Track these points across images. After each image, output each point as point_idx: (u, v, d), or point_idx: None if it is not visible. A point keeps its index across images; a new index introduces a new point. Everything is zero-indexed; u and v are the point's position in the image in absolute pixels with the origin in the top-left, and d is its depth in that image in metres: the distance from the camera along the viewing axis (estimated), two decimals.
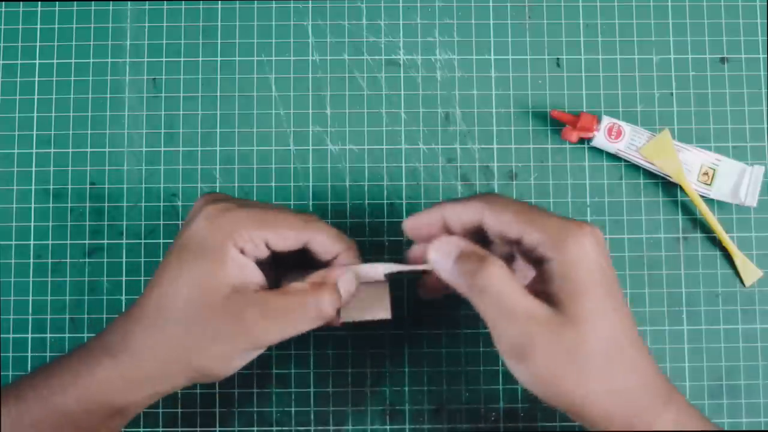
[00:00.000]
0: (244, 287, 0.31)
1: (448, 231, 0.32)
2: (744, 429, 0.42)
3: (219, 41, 0.44)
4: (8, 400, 0.31)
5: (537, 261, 0.30)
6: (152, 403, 0.33)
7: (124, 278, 0.43)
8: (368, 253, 0.43)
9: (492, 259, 0.29)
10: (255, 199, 0.43)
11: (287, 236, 0.32)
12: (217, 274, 0.30)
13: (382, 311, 0.34)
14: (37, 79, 0.44)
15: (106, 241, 0.43)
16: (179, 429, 0.42)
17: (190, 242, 0.31)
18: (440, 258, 0.31)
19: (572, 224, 0.29)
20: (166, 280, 0.31)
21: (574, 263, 0.28)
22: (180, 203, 0.43)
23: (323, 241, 0.33)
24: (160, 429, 0.42)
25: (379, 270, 0.33)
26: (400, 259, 0.35)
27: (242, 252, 0.31)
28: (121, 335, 0.31)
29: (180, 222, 0.43)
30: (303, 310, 0.31)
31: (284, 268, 0.35)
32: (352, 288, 0.33)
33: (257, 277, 0.32)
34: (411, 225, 0.33)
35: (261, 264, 0.33)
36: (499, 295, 0.29)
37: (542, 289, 0.29)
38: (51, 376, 0.32)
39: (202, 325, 0.30)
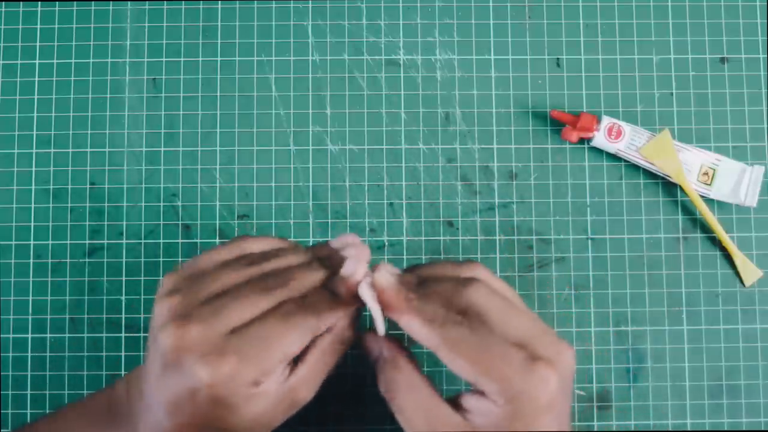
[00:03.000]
0: (285, 382, 0.30)
1: None
2: (744, 429, 0.42)
3: (219, 41, 0.44)
4: None
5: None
6: None
7: (124, 278, 0.43)
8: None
9: (404, 383, 0.30)
10: (255, 199, 0.43)
11: (295, 346, 0.29)
12: (267, 402, 0.29)
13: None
14: (37, 79, 0.44)
15: (106, 241, 0.43)
16: None
17: (198, 394, 0.28)
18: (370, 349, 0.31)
19: (537, 372, 0.27)
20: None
21: (530, 419, 0.27)
22: (180, 203, 0.43)
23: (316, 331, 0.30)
24: None
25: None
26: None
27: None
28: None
29: (179, 222, 0.43)
30: (325, 368, 0.31)
31: None
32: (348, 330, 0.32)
33: (277, 379, 0.29)
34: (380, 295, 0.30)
35: None
36: (411, 422, 0.29)
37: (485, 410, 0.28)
38: None
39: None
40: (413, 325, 0.29)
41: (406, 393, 0.29)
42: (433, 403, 0.29)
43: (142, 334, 0.42)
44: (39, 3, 0.45)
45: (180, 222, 0.43)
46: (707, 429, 0.42)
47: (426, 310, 0.29)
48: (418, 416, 0.29)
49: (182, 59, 0.44)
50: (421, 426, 0.29)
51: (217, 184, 0.43)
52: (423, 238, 0.43)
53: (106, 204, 0.43)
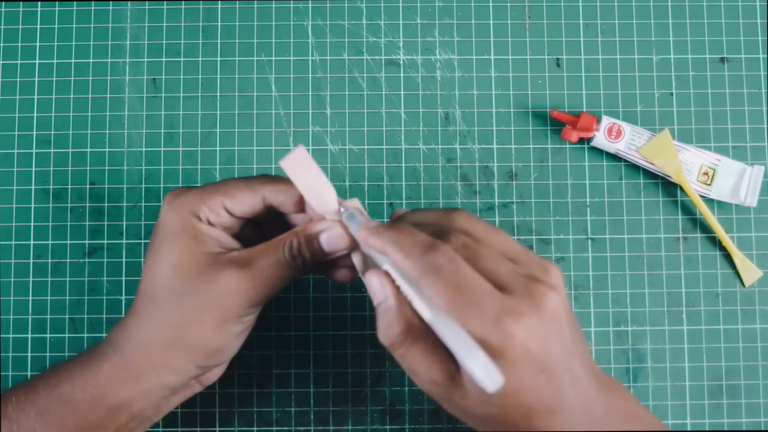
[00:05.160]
0: (221, 253, 0.31)
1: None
2: (744, 429, 0.42)
3: (219, 41, 0.44)
4: (19, 389, 0.32)
5: None
6: (164, 404, 0.33)
7: (124, 278, 0.43)
8: None
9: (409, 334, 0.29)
10: None
11: (242, 197, 0.32)
12: (191, 248, 0.31)
13: None
14: (37, 79, 0.44)
15: (106, 241, 0.43)
16: (179, 429, 0.42)
17: (159, 230, 0.32)
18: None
19: (505, 325, 0.26)
20: (148, 269, 0.32)
21: (509, 365, 0.26)
22: None
23: (278, 191, 0.32)
24: (160, 429, 0.42)
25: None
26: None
27: (211, 224, 0.32)
28: (123, 329, 0.32)
29: None
30: (276, 256, 0.31)
31: None
32: (337, 233, 0.32)
33: (233, 244, 0.32)
34: (362, 242, 0.30)
35: (248, 241, 0.33)
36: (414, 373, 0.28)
37: None
38: (62, 369, 0.32)
39: (188, 297, 0.31)
40: (396, 258, 0.28)
41: (408, 346, 0.29)
42: (433, 351, 0.28)
43: None
44: (39, 3, 0.45)
45: None
46: (707, 429, 0.42)
47: (405, 240, 0.28)
48: (418, 365, 0.28)
49: (182, 59, 0.44)
50: (421, 373, 0.28)
51: None
52: None
53: (106, 204, 0.43)
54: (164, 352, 0.31)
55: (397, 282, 0.29)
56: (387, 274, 0.29)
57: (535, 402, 0.27)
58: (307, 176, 0.31)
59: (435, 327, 0.27)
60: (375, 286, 0.29)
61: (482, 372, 0.25)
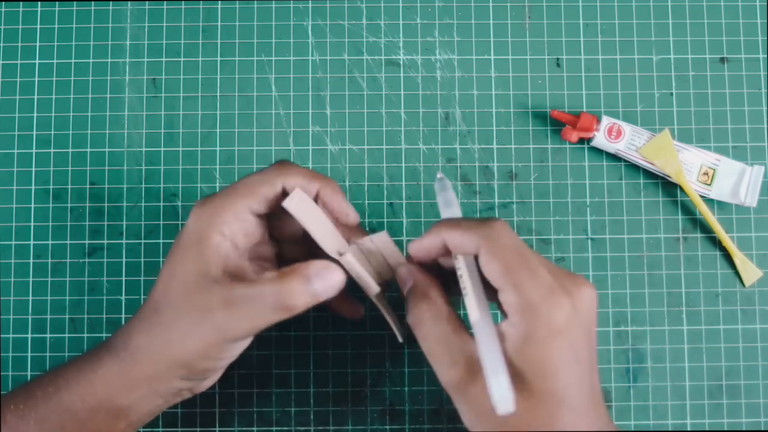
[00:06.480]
0: (217, 277, 0.31)
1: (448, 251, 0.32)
2: (744, 429, 0.42)
3: (219, 41, 0.44)
4: (17, 396, 0.32)
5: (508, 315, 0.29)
6: (157, 410, 0.33)
7: (124, 278, 0.43)
8: None
9: (431, 313, 0.31)
10: None
11: (264, 192, 0.32)
12: (195, 266, 0.31)
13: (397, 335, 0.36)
14: (37, 79, 0.44)
15: (106, 241, 0.43)
16: (179, 429, 0.42)
17: (181, 239, 0.32)
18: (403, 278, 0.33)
19: (556, 295, 0.28)
20: (161, 278, 0.32)
21: (542, 342, 0.28)
22: (180, 203, 0.43)
23: (296, 182, 0.32)
24: (160, 429, 0.42)
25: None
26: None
27: (232, 240, 0.31)
28: (124, 335, 0.32)
29: (180, 222, 0.43)
30: (263, 300, 0.30)
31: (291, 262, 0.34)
32: (334, 280, 0.31)
33: (238, 269, 0.32)
34: (415, 249, 0.32)
35: (263, 258, 0.33)
36: (432, 350, 0.30)
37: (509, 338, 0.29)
38: (59, 375, 0.32)
39: (180, 315, 0.31)
40: (454, 236, 0.30)
41: (432, 323, 0.30)
42: (455, 333, 0.30)
43: None
44: (39, 3, 0.45)
45: (180, 222, 0.43)
46: (707, 429, 0.42)
47: (461, 222, 0.31)
48: (440, 345, 0.30)
49: (182, 59, 0.44)
50: (441, 355, 0.30)
51: (217, 184, 0.43)
52: None
53: (106, 204, 0.43)
54: (156, 364, 0.31)
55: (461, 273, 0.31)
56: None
57: (566, 386, 0.28)
58: (308, 215, 0.32)
59: (476, 331, 0.29)
60: (404, 274, 0.33)
61: (499, 395, 0.27)
